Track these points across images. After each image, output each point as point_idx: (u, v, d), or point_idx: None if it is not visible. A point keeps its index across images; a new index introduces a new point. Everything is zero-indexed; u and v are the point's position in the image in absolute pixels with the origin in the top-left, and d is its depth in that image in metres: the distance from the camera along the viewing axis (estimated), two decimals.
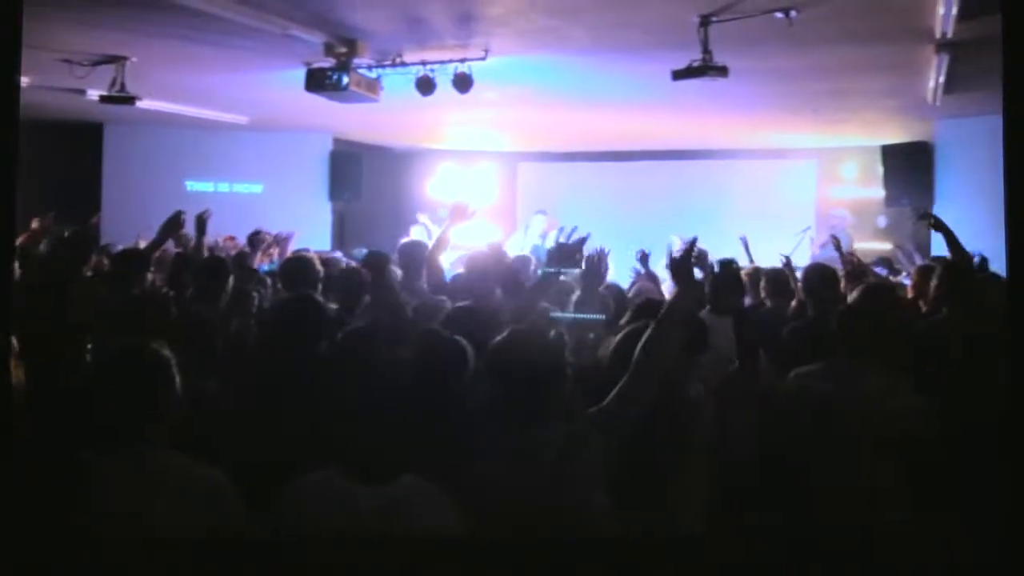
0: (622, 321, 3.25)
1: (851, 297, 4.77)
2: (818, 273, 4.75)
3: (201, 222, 4.97)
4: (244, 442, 2.58)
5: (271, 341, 2.99)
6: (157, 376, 2.10)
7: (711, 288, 4.28)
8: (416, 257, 5.13)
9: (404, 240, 6.00)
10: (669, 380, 2.51)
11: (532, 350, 2.39)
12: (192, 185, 11.68)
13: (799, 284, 5.11)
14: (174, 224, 4.81)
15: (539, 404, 2.36)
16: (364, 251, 7.20)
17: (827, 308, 4.32)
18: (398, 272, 4.82)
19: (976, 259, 5.79)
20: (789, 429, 3.17)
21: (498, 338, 2.47)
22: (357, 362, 2.55)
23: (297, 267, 4.24)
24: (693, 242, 2.62)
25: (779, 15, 5.32)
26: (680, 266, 2.62)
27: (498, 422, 2.39)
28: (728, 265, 4.05)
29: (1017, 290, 1.85)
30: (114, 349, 2.17)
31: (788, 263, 6.45)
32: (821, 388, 3.15)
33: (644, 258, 5.95)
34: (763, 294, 5.22)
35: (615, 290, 4.58)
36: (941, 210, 9.89)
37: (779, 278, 5.27)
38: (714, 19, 5.48)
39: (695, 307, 2.58)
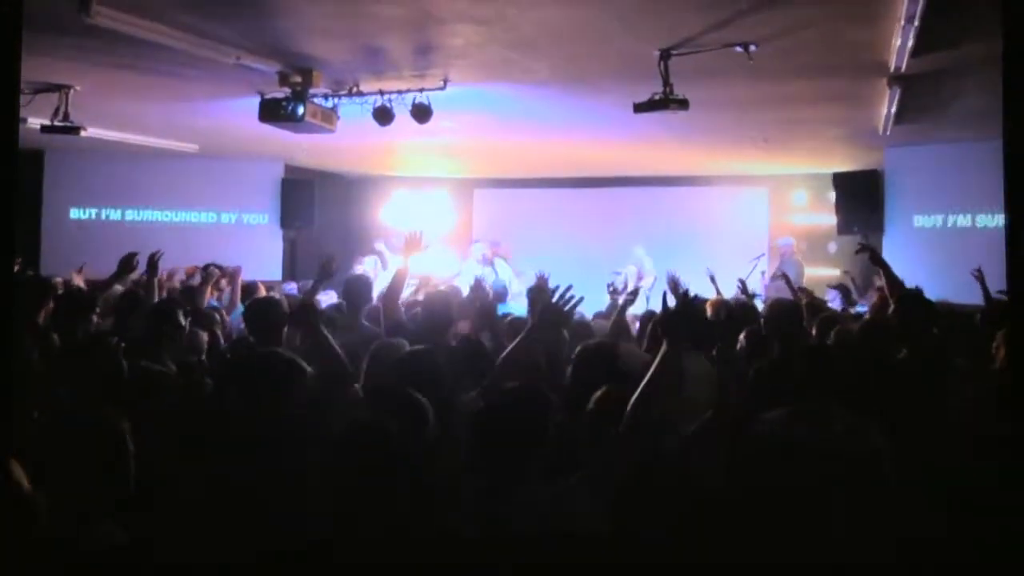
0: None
1: (816, 333, 4.81)
2: (782, 310, 4.72)
3: (152, 263, 4.78)
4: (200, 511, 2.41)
5: (234, 399, 2.81)
6: (114, 451, 1.93)
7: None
8: (359, 293, 4.99)
9: (349, 274, 5.83)
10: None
11: (516, 414, 2.28)
12: (140, 214, 11.40)
13: (761, 317, 5.10)
14: (127, 266, 4.62)
15: (520, 466, 2.26)
16: (294, 286, 7.06)
17: (791, 345, 4.31)
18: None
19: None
20: (763, 475, 3.11)
21: (482, 403, 2.37)
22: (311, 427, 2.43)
23: (262, 309, 4.02)
24: (687, 295, 2.52)
25: (738, 49, 5.35)
26: (676, 327, 2.49)
27: (474, 483, 2.28)
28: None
29: (1017, 292, 1.80)
30: (67, 417, 2.00)
31: (744, 289, 6.48)
32: (794, 434, 3.11)
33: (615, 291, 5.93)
34: None
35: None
36: (890, 237, 10.12)
37: (747, 312, 5.25)
38: (674, 52, 5.49)
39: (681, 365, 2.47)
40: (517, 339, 3.23)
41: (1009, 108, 1.80)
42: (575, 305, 2.99)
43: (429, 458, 2.55)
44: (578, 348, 3.45)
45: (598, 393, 2.68)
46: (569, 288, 2.98)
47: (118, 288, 4.98)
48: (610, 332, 4.70)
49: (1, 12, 1.71)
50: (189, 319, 4.07)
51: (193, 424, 2.74)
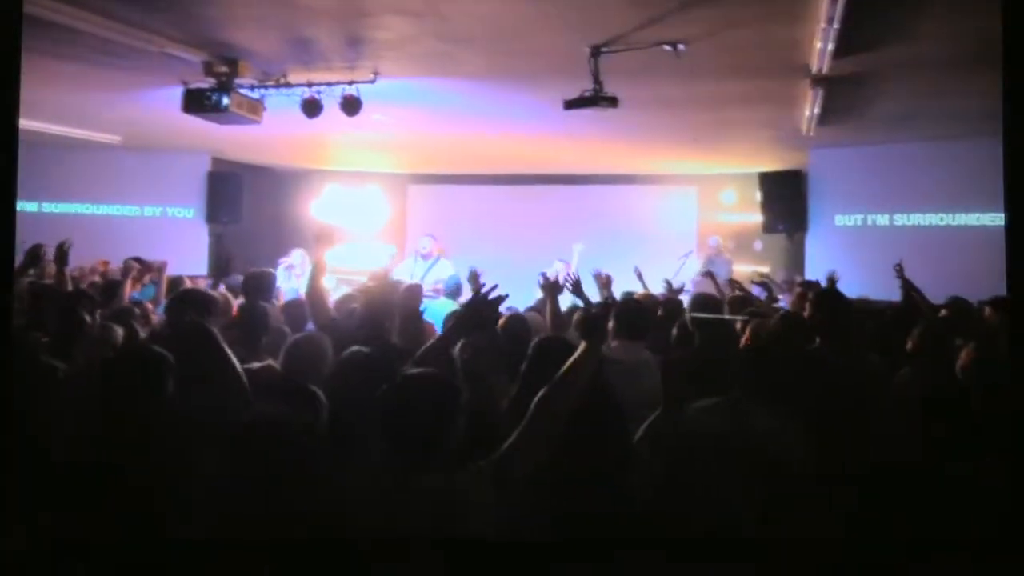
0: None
1: (741, 327, 4.91)
2: (703, 303, 4.84)
3: (61, 252, 4.57)
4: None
5: (108, 394, 2.70)
6: None
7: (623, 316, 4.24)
8: (259, 289, 4.89)
9: (252, 270, 5.68)
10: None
11: (424, 396, 2.26)
12: (58, 208, 11.01)
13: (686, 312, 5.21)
14: (33, 258, 4.42)
15: (427, 451, 2.24)
16: (240, 278, 6.89)
17: (711, 337, 4.41)
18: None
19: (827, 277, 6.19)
20: (686, 464, 3.17)
21: (389, 384, 2.34)
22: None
23: (186, 300, 3.84)
24: (611, 301, 2.56)
25: (667, 48, 5.43)
26: (594, 324, 2.53)
27: (379, 470, 2.26)
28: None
29: (1017, 296, 1.87)
30: None
31: (670, 288, 6.59)
32: (717, 425, 3.17)
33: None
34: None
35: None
36: (812, 235, 10.43)
37: (673, 306, 5.35)
38: (604, 50, 5.54)
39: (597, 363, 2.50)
40: (433, 339, 3.19)
41: (1009, 108, 1.85)
42: (499, 303, 2.97)
43: (326, 449, 2.50)
44: (535, 341, 3.45)
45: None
46: (495, 287, 2.97)
47: (24, 281, 4.78)
48: (552, 325, 4.74)
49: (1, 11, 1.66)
50: (99, 312, 3.92)
51: (80, 420, 2.65)
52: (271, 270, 5.97)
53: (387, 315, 3.81)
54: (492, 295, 2.97)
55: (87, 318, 3.81)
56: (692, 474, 3.23)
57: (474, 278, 5.23)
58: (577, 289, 4.93)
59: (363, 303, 4.11)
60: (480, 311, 2.95)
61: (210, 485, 2.10)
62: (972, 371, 3.34)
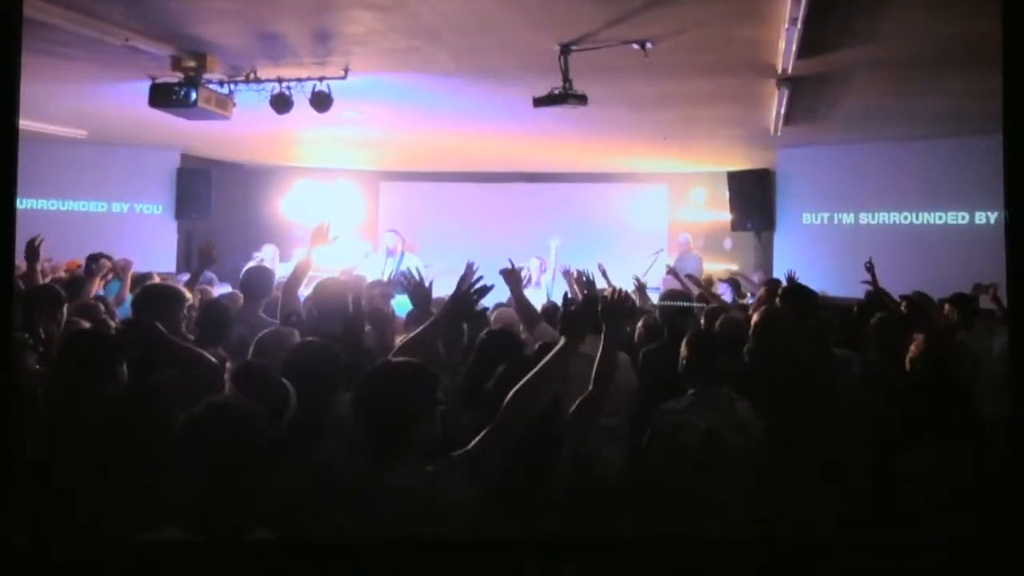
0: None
1: (704, 322, 4.98)
2: (675, 299, 4.89)
3: (32, 249, 4.52)
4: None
5: (57, 382, 2.68)
6: None
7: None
8: (257, 284, 4.86)
9: (249, 265, 5.65)
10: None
11: (401, 385, 2.27)
12: (23, 203, 10.85)
13: (655, 308, 5.26)
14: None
15: (402, 442, 2.25)
16: (211, 275, 6.81)
17: (681, 332, 4.45)
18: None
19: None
20: (675, 460, 3.22)
21: (366, 372, 2.35)
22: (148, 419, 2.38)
23: (151, 295, 3.78)
24: (592, 299, 2.58)
25: (635, 46, 5.47)
26: (576, 322, 2.54)
27: (354, 462, 2.26)
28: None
29: (1017, 294, 1.91)
30: None
31: (640, 286, 6.64)
32: (702, 421, 3.22)
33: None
34: None
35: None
36: (780, 233, 10.54)
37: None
38: (573, 48, 5.57)
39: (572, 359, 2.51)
40: (419, 328, 3.22)
41: (1009, 108, 1.88)
42: (484, 295, 3.02)
43: (291, 442, 2.50)
44: (483, 332, 3.47)
45: (500, 369, 2.68)
46: (480, 279, 3.01)
47: None
48: (519, 315, 4.77)
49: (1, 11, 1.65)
50: (65, 307, 3.89)
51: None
52: (269, 268, 5.94)
53: (338, 310, 3.81)
54: (476, 287, 3.01)
55: (52, 314, 3.78)
56: (672, 474, 3.28)
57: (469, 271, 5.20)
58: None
59: (312, 298, 4.12)
60: (463, 304, 2.99)
61: (168, 479, 2.09)
62: (920, 363, 3.42)
